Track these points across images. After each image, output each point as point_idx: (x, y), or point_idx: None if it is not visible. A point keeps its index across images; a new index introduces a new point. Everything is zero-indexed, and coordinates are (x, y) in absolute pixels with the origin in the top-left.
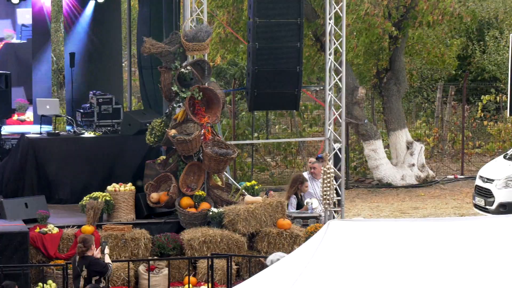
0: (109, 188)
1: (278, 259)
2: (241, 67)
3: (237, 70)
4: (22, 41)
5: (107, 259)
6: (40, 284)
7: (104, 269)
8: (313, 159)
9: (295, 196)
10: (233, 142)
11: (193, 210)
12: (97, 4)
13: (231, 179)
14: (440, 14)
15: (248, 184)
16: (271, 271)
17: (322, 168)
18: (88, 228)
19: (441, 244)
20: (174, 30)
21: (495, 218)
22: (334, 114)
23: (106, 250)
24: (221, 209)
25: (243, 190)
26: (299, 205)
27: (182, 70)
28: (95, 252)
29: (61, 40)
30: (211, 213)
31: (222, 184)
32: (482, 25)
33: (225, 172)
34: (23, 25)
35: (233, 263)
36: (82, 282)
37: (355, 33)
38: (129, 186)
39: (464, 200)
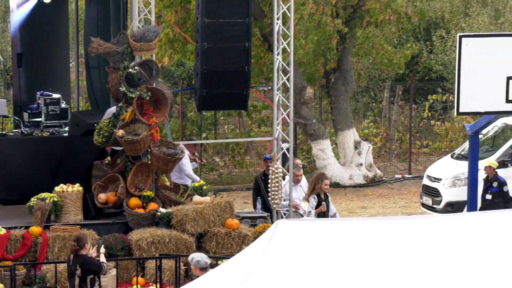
0: (56, 189)
1: (198, 260)
2: (189, 68)
3: (185, 71)
4: None
5: (102, 258)
6: None
7: (98, 268)
8: (297, 171)
9: (315, 196)
10: (181, 142)
11: (141, 210)
12: (44, 5)
13: None
14: (392, 14)
15: (196, 184)
16: (220, 271)
17: (271, 168)
18: (35, 229)
19: (388, 243)
20: (121, 30)
21: (443, 217)
22: (282, 114)
23: (102, 250)
24: (169, 210)
25: (192, 191)
26: (319, 205)
27: (130, 70)
28: (91, 251)
29: (8, 40)
30: (159, 213)
31: (170, 184)
32: (429, 25)
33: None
34: None
35: (181, 264)
36: (77, 281)
37: (303, 32)
38: (77, 187)
39: (412, 199)
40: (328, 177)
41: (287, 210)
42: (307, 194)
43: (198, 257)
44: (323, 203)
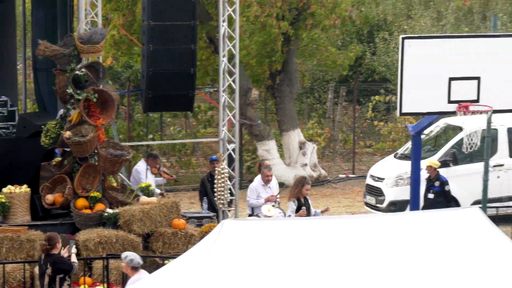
0: (4, 190)
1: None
2: (136, 70)
3: (132, 73)
4: None
5: (73, 258)
6: None
7: (68, 268)
8: (268, 171)
9: (295, 200)
10: (128, 144)
11: (88, 211)
12: None
13: (126, 180)
14: (336, 19)
15: (143, 185)
16: (166, 270)
17: (217, 168)
18: None
19: (332, 242)
20: (68, 32)
21: (386, 216)
22: (228, 115)
23: (73, 250)
24: (116, 210)
25: (138, 191)
26: (300, 209)
27: (77, 72)
28: (63, 251)
29: None
30: (106, 214)
31: (117, 185)
32: (372, 27)
33: (120, 173)
34: None
35: None
36: (47, 280)
37: (248, 33)
38: (24, 188)
39: (356, 198)
40: (309, 182)
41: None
42: (288, 197)
43: (132, 255)
44: (303, 207)
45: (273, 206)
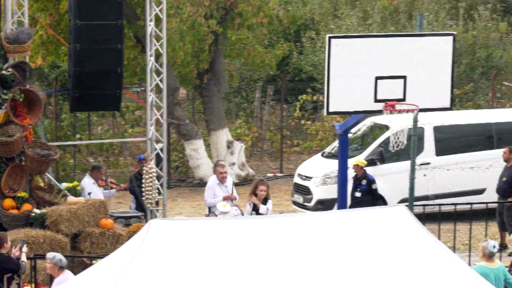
0: None
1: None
2: (63, 70)
3: (59, 72)
4: None
5: (23, 258)
6: None
7: (16, 267)
8: (221, 169)
9: (251, 203)
10: (55, 143)
11: (15, 211)
12: None
13: (54, 180)
14: (263, 17)
15: (70, 185)
16: (94, 270)
17: (145, 168)
18: None
19: (260, 241)
20: None
21: (313, 214)
22: (156, 114)
23: (24, 249)
24: (43, 210)
25: (66, 191)
26: (257, 212)
27: (3, 72)
28: (14, 250)
29: None
30: (33, 214)
31: (44, 185)
32: (299, 27)
33: (47, 173)
34: None
35: None
36: None
37: (178, 34)
38: None
39: (283, 197)
40: (265, 183)
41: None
42: (248, 198)
43: (59, 256)
44: (253, 212)
45: (231, 205)
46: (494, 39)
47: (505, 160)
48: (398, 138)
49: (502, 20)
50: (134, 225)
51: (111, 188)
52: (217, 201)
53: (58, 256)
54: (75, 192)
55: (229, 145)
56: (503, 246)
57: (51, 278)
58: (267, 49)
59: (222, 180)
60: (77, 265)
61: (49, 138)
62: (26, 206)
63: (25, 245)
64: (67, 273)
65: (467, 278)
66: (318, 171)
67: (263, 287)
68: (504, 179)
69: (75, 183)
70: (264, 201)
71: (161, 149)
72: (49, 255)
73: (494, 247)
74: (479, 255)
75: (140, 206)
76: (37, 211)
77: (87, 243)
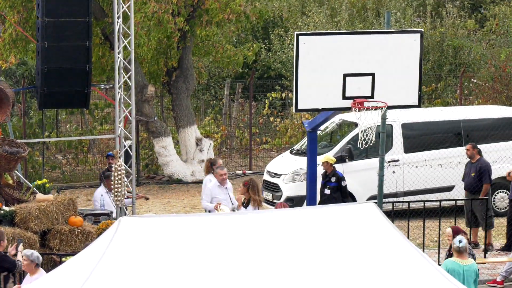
0: None
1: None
2: (31, 66)
3: (27, 69)
4: None
5: (19, 257)
6: None
7: (11, 266)
8: (221, 171)
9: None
10: (23, 141)
11: None
12: None
13: (22, 177)
14: (230, 13)
15: (39, 182)
16: (63, 268)
17: (114, 165)
18: None
19: (229, 237)
20: None
21: (282, 211)
22: (124, 112)
23: (20, 248)
24: (12, 208)
25: (34, 188)
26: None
27: None
28: (10, 249)
29: None
30: (2, 211)
31: (13, 182)
32: (267, 24)
33: (16, 171)
34: None
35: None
36: None
37: (145, 30)
38: None
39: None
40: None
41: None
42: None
43: (37, 253)
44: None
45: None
46: (462, 36)
47: (470, 157)
48: (366, 135)
49: (470, 17)
50: (103, 222)
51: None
52: (211, 206)
53: (36, 253)
54: (44, 189)
55: (198, 142)
56: (475, 244)
57: (21, 275)
58: (236, 47)
59: (222, 182)
60: (46, 262)
61: (18, 136)
62: None
63: (22, 244)
64: (42, 271)
65: (435, 275)
66: (287, 168)
67: (230, 282)
68: (473, 174)
69: (44, 180)
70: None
71: (130, 147)
72: (27, 252)
73: (460, 242)
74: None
75: None
76: (6, 208)
77: (56, 240)
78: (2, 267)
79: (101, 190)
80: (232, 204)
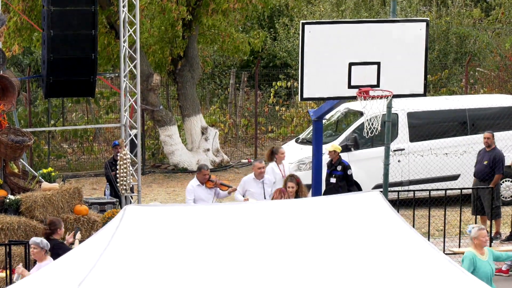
0: None
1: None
2: (37, 56)
3: (33, 59)
4: None
5: (76, 244)
6: None
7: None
8: (259, 163)
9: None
10: (29, 130)
11: None
12: None
13: (28, 166)
14: (236, 3)
15: (44, 171)
16: (69, 256)
17: (119, 154)
18: None
19: (235, 227)
20: None
21: (288, 201)
22: (130, 101)
23: (78, 236)
24: (18, 196)
25: (40, 177)
26: None
27: None
28: (67, 236)
29: None
30: (7, 200)
31: (18, 171)
32: (273, 13)
33: (21, 160)
34: None
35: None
36: None
37: (148, 18)
38: None
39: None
40: (293, 180)
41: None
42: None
43: (45, 240)
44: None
45: None
46: (467, 25)
47: (488, 145)
48: (372, 124)
49: (475, 6)
50: (108, 211)
51: (222, 190)
52: (242, 199)
53: (45, 241)
54: (50, 178)
55: (203, 131)
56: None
57: (26, 264)
58: (241, 35)
59: (258, 176)
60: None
61: (23, 125)
62: (1, 192)
63: (79, 232)
64: (50, 258)
65: (441, 263)
66: (292, 157)
67: (235, 272)
68: (485, 162)
69: (50, 169)
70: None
71: (135, 135)
72: (36, 239)
73: (470, 231)
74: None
75: (114, 192)
76: (12, 197)
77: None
78: (58, 255)
79: (193, 182)
80: (265, 199)
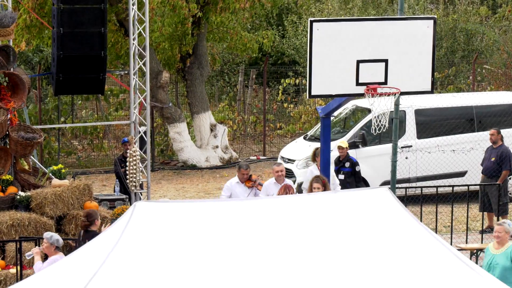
0: None
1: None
2: (47, 53)
3: (43, 56)
4: None
5: None
6: None
7: None
8: (277, 167)
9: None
10: (39, 127)
11: (0, 194)
12: None
13: (38, 163)
14: (246, 2)
15: (55, 167)
16: (79, 253)
17: (129, 151)
18: None
19: (246, 223)
20: None
21: (297, 197)
22: (139, 98)
23: None
24: (28, 193)
25: (50, 174)
26: None
27: None
28: (103, 228)
29: None
30: (18, 196)
31: (29, 168)
32: (281, 11)
33: (32, 156)
34: None
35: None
36: None
37: (159, 16)
38: None
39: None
40: (319, 181)
41: None
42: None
43: (56, 236)
44: None
45: None
46: (474, 23)
47: (494, 142)
48: (379, 121)
49: (482, 3)
50: (118, 207)
51: (259, 190)
52: None
53: (56, 236)
54: (60, 175)
55: (212, 128)
56: (491, 228)
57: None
58: (249, 33)
59: (278, 179)
60: (62, 247)
61: (33, 122)
62: (11, 189)
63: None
64: (62, 254)
65: (450, 257)
66: (300, 154)
67: (244, 267)
68: (493, 159)
69: (60, 165)
70: None
71: (145, 132)
72: (47, 234)
73: (509, 225)
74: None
75: (124, 189)
76: (22, 193)
77: (72, 225)
78: None
79: (233, 179)
80: None
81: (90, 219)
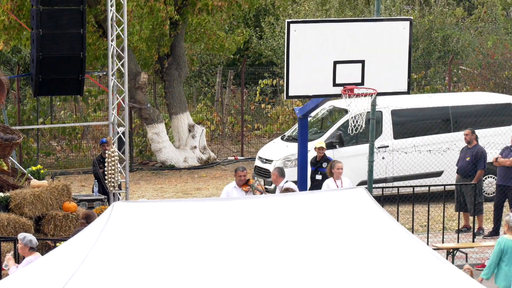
0: None
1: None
2: (26, 54)
3: (21, 57)
4: None
5: None
6: None
7: None
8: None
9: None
10: (18, 128)
11: None
12: None
13: (17, 163)
14: (220, 0)
15: (33, 168)
16: (57, 252)
17: (107, 152)
18: None
19: (222, 223)
20: None
21: (274, 197)
22: (118, 99)
23: None
24: (7, 193)
25: (29, 175)
26: None
27: None
28: None
29: None
30: None
31: (8, 169)
32: (259, 12)
33: (10, 157)
34: None
35: None
36: None
37: (137, 19)
38: None
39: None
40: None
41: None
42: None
43: (30, 236)
44: None
45: None
46: (450, 24)
47: (468, 142)
48: (356, 121)
49: (458, 5)
50: (97, 208)
51: (255, 195)
52: None
53: (29, 237)
54: (39, 175)
55: (191, 129)
56: (467, 228)
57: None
58: (227, 34)
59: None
60: (41, 247)
61: (12, 122)
62: None
63: None
64: (37, 255)
65: (427, 256)
66: (278, 154)
67: (222, 268)
68: (468, 159)
69: (39, 166)
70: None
71: (123, 133)
72: (20, 235)
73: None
74: (503, 230)
75: (103, 189)
76: (1, 194)
77: (51, 225)
78: None
79: (232, 183)
80: None
81: (88, 220)
